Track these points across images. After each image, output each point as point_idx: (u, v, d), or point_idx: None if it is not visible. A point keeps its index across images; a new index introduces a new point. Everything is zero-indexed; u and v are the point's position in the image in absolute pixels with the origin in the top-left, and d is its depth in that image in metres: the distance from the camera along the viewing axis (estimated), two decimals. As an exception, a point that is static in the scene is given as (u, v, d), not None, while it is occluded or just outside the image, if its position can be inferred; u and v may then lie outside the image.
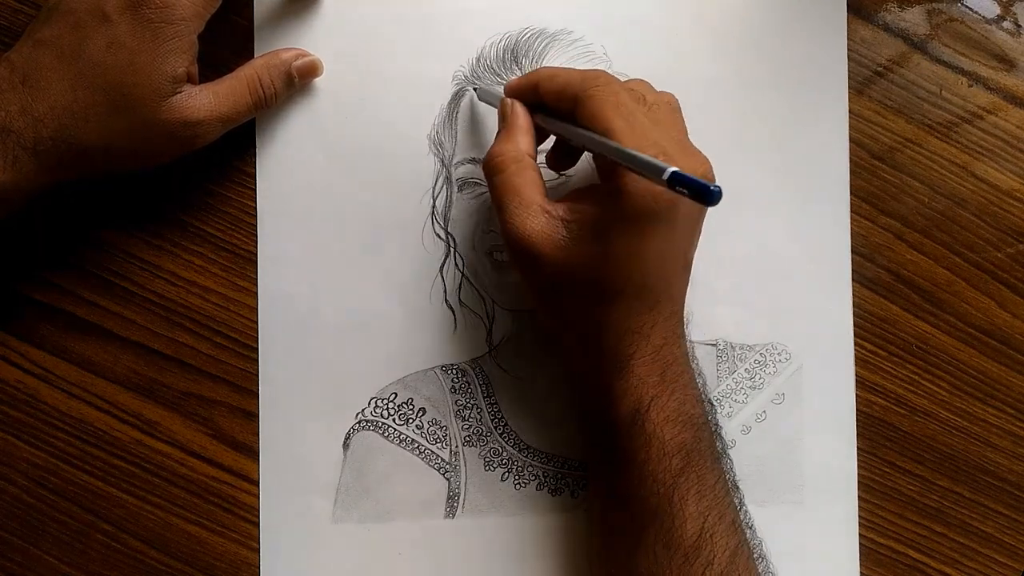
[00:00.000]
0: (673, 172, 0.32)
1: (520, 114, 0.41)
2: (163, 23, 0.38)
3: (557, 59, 0.46)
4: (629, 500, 0.40)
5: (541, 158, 0.43)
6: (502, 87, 0.44)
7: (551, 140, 0.44)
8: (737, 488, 0.43)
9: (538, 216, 0.39)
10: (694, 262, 0.41)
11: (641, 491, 0.39)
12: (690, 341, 0.42)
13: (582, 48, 0.46)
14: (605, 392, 0.40)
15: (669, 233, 0.38)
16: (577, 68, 0.43)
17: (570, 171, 0.45)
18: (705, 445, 0.40)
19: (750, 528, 0.42)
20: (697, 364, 0.46)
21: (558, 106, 0.40)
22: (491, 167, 0.40)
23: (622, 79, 0.41)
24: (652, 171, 0.33)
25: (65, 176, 0.40)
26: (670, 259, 0.39)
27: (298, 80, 0.44)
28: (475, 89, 0.45)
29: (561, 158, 0.44)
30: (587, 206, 0.39)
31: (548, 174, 0.44)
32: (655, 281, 0.39)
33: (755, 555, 0.41)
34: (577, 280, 0.39)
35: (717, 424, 0.44)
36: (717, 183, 0.32)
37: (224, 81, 0.41)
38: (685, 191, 0.32)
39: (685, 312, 0.42)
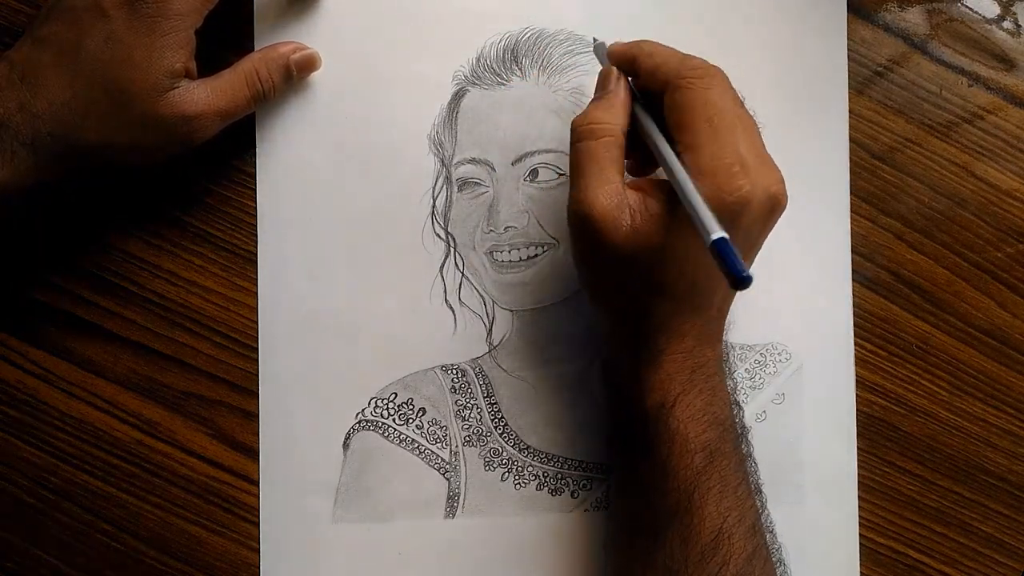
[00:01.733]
0: (718, 240, 0.32)
1: (623, 87, 0.40)
2: (160, 18, 0.38)
3: (557, 58, 0.46)
4: (650, 494, 0.40)
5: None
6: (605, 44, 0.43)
7: None
8: (760, 492, 0.42)
9: (611, 196, 0.38)
10: None
11: (662, 486, 0.39)
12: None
13: (582, 48, 0.46)
14: (634, 383, 0.40)
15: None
16: (679, 50, 0.41)
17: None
18: (730, 446, 0.40)
19: (771, 532, 0.42)
20: (730, 367, 0.46)
21: (650, 85, 0.39)
22: (583, 131, 0.39)
23: None
24: (701, 228, 0.33)
25: (64, 173, 0.40)
26: (718, 272, 0.39)
27: (296, 74, 0.44)
28: (595, 41, 0.44)
29: (634, 143, 0.41)
30: (655, 199, 0.38)
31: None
32: (702, 287, 0.39)
33: (774, 559, 0.41)
34: (628, 269, 0.38)
35: (744, 428, 0.43)
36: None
37: (222, 75, 0.41)
38: (719, 263, 0.32)
39: (728, 319, 0.42)
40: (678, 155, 0.37)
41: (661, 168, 0.40)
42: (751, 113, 0.40)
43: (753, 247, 0.40)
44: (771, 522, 0.43)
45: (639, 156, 0.41)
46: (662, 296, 0.39)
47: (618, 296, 0.40)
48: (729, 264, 0.32)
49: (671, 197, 0.37)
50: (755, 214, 0.37)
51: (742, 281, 0.32)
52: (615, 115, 0.39)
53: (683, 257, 0.38)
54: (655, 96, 0.39)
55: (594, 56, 0.46)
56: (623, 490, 0.44)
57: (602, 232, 0.37)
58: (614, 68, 0.41)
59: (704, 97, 0.37)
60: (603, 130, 0.39)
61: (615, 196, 0.38)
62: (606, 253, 0.38)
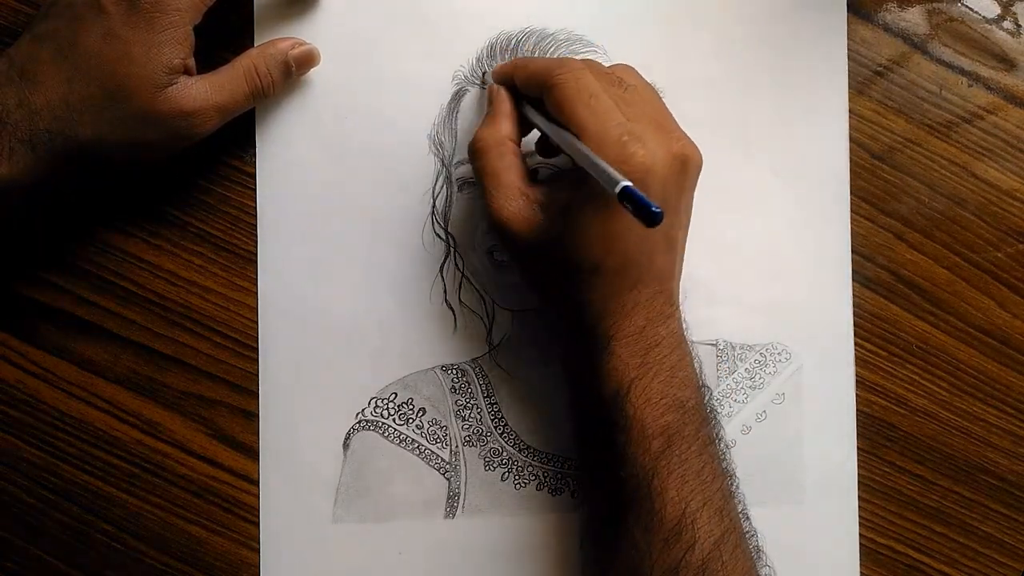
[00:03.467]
0: (624, 187, 0.33)
1: (503, 99, 0.43)
2: (158, 14, 0.38)
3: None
4: (611, 483, 0.40)
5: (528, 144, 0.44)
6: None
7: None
8: (732, 476, 0.42)
9: (516, 199, 0.40)
10: (688, 255, 0.42)
11: (620, 473, 0.39)
12: (691, 341, 0.42)
13: (582, 48, 0.46)
14: (589, 374, 0.40)
15: None
16: (551, 57, 0.44)
17: (558, 159, 0.45)
18: (691, 429, 0.40)
19: (745, 517, 0.42)
20: (694, 347, 0.46)
21: (532, 95, 0.41)
22: (473, 151, 0.42)
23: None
24: (605, 179, 0.34)
25: (63, 171, 0.40)
26: (647, 238, 0.39)
27: (295, 70, 0.44)
28: (484, 75, 0.46)
29: (547, 147, 0.45)
30: (561, 188, 0.40)
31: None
32: (633, 260, 0.39)
33: (750, 545, 0.41)
34: (554, 260, 0.40)
35: (713, 410, 0.43)
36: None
37: (220, 71, 0.41)
38: (630, 207, 0.33)
39: (680, 295, 0.42)
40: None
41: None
42: (651, 85, 0.42)
43: (678, 212, 0.40)
44: (745, 506, 0.42)
45: (540, 145, 0.44)
46: (595, 277, 0.39)
47: (556, 289, 0.41)
48: (638, 204, 0.33)
49: (574, 179, 0.39)
50: (662, 177, 0.38)
51: (653, 216, 0.32)
52: (499, 126, 0.42)
53: (604, 234, 0.38)
54: (540, 104, 0.41)
55: (594, 56, 0.46)
56: (588, 482, 0.43)
57: (519, 233, 0.40)
58: (495, 85, 0.43)
59: (575, 87, 0.39)
60: (488, 145, 0.41)
61: (519, 198, 0.40)
62: (531, 251, 0.40)
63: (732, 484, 0.42)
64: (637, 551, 0.38)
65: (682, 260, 0.42)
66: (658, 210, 0.32)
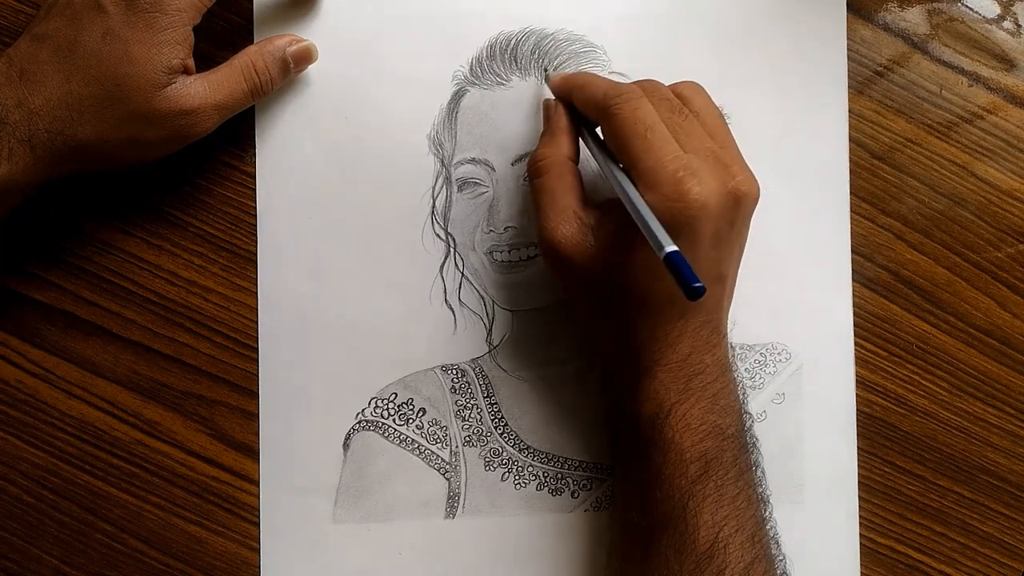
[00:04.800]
0: (669, 254, 0.33)
1: (561, 116, 0.42)
2: (157, 12, 0.38)
3: (557, 58, 0.46)
4: (645, 503, 0.40)
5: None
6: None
7: None
8: (767, 503, 0.42)
9: (571, 222, 0.40)
10: None
11: (657, 494, 0.39)
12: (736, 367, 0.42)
13: (582, 47, 0.46)
14: (629, 394, 0.40)
15: (692, 246, 0.37)
16: (609, 79, 0.42)
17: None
18: (729, 456, 0.40)
19: (776, 544, 0.42)
20: (740, 378, 0.45)
21: (589, 117, 0.41)
22: (533, 169, 0.41)
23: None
24: (654, 243, 0.34)
25: (63, 170, 0.40)
26: (699, 271, 0.39)
27: (293, 66, 0.43)
28: (545, 72, 0.46)
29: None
30: (615, 215, 0.39)
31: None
32: None
33: (778, 572, 0.41)
34: (603, 286, 0.39)
35: (755, 438, 0.43)
36: (698, 284, 0.32)
37: (219, 70, 0.41)
38: (673, 275, 0.33)
39: (729, 323, 0.42)
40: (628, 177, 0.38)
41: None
42: (720, 109, 0.41)
43: (730, 245, 0.40)
44: (776, 534, 0.42)
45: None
46: (644, 307, 0.39)
47: (602, 315, 0.41)
48: (681, 276, 0.32)
49: (627, 209, 0.38)
50: (715, 213, 0.37)
51: (693, 292, 0.32)
52: (559, 145, 0.41)
53: (650, 266, 0.38)
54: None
55: (594, 56, 0.46)
56: (622, 499, 0.44)
57: (571, 258, 0.39)
58: (553, 100, 0.43)
59: (632, 116, 0.38)
60: (548, 164, 0.41)
61: (574, 221, 0.40)
62: (580, 276, 0.40)
63: (766, 510, 0.42)
64: (668, 571, 0.39)
65: (732, 291, 0.42)
66: (699, 285, 0.32)
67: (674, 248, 0.33)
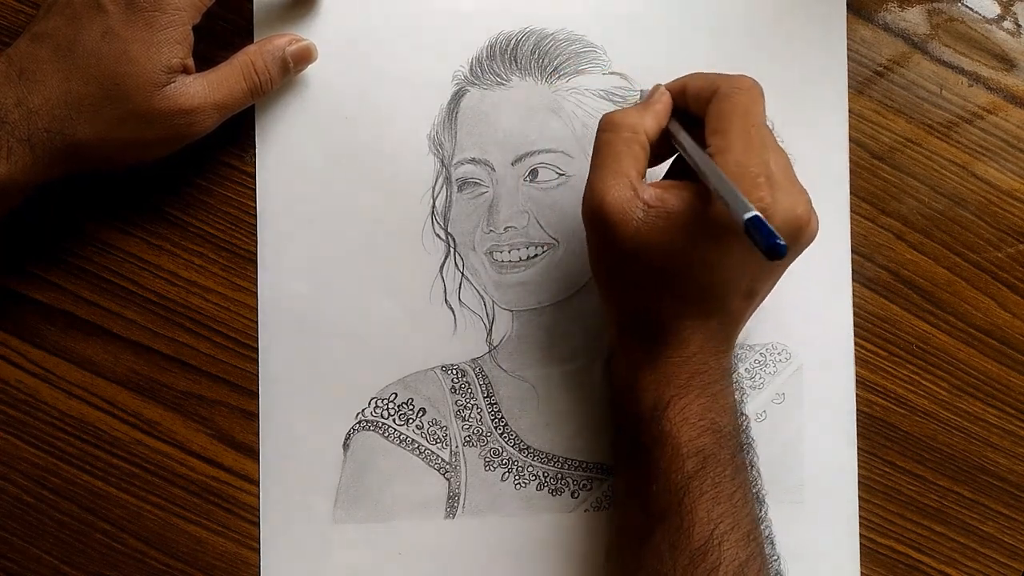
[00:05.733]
0: (753, 216, 0.32)
1: (663, 97, 0.41)
2: (157, 12, 0.38)
3: (557, 58, 0.46)
4: (641, 497, 0.40)
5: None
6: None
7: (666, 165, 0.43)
8: (762, 503, 0.42)
9: (624, 189, 0.38)
10: None
11: (653, 488, 0.39)
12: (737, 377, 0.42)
13: (582, 47, 0.46)
14: (631, 384, 0.40)
15: (743, 255, 0.37)
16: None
17: None
18: (727, 454, 0.40)
19: (770, 543, 0.42)
20: (739, 381, 0.45)
21: (696, 105, 0.40)
22: (607, 123, 0.39)
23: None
24: (736, 204, 0.33)
25: (62, 170, 0.40)
26: (734, 280, 0.39)
27: (293, 66, 0.43)
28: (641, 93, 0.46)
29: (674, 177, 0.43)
30: (674, 198, 0.37)
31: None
32: (714, 293, 0.39)
33: (771, 571, 0.41)
34: (637, 263, 0.38)
35: (751, 440, 0.43)
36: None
37: (218, 69, 0.41)
38: (755, 236, 0.32)
39: (741, 335, 0.42)
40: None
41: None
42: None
43: (772, 268, 0.40)
44: (771, 533, 0.42)
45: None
46: (669, 295, 0.39)
47: (626, 290, 0.40)
48: (765, 235, 0.32)
49: (693, 200, 0.37)
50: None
51: (777, 249, 0.32)
52: (645, 118, 0.40)
53: (698, 260, 0.37)
54: (693, 120, 0.40)
55: (594, 56, 0.46)
56: (619, 493, 0.44)
57: (612, 224, 0.38)
58: (662, 85, 0.42)
59: (747, 107, 0.38)
60: (627, 126, 0.39)
61: (628, 189, 0.38)
62: (616, 245, 0.38)
63: (761, 510, 0.42)
64: (662, 567, 0.39)
65: (753, 312, 0.42)
66: (783, 243, 0.32)
67: (757, 212, 0.33)
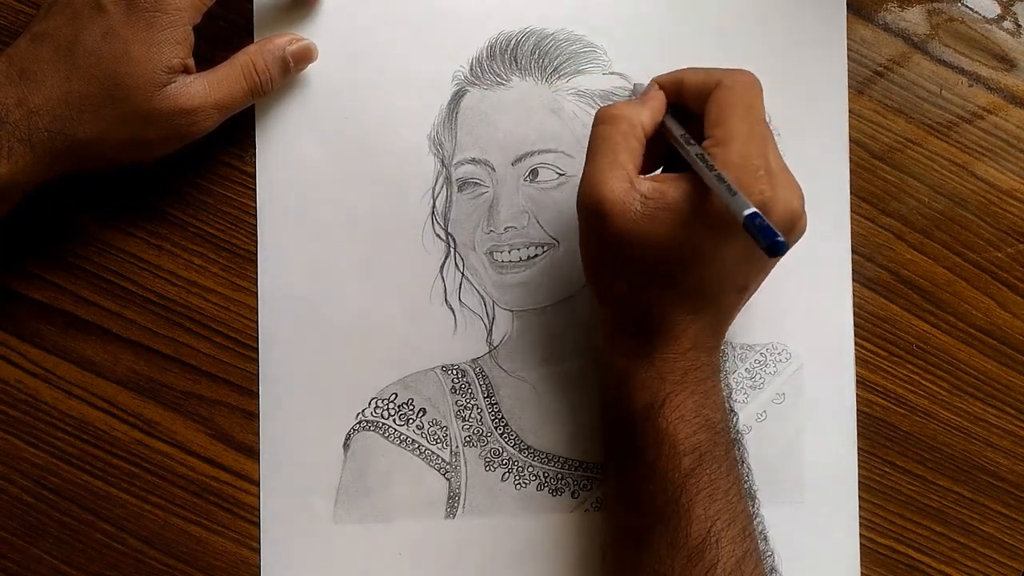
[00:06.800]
0: (752, 213, 0.32)
1: (658, 94, 0.41)
2: (157, 12, 0.38)
3: (557, 58, 0.46)
4: (638, 496, 0.40)
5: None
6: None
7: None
8: (754, 498, 0.42)
9: (621, 181, 0.37)
10: None
11: (650, 487, 0.39)
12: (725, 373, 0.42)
13: (582, 47, 0.46)
14: (625, 382, 0.40)
15: (738, 251, 0.38)
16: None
17: None
18: (721, 450, 0.40)
19: (764, 538, 0.42)
20: (727, 378, 0.45)
21: (694, 98, 0.40)
22: (603, 116, 0.39)
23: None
24: (734, 202, 0.33)
25: (63, 169, 0.40)
26: (729, 275, 0.39)
27: (293, 65, 0.43)
28: (634, 86, 0.46)
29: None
30: (671, 191, 0.37)
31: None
32: (707, 290, 0.39)
33: (766, 566, 0.41)
34: (632, 257, 0.38)
35: (739, 434, 0.43)
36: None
37: (219, 69, 0.41)
38: (754, 233, 0.32)
39: (740, 336, 0.42)
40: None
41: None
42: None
43: (765, 263, 0.40)
44: (764, 528, 0.42)
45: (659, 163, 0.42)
46: (663, 290, 0.39)
47: (619, 285, 0.40)
48: (763, 234, 0.32)
49: (691, 193, 0.37)
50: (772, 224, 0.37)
51: (778, 246, 0.32)
52: (641, 111, 0.39)
53: (693, 256, 0.37)
54: (689, 116, 0.40)
55: (594, 56, 0.46)
56: (614, 494, 0.43)
57: (609, 217, 0.37)
58: (654, 81, 0.42)
59: (748, 101, 0.38)
60: (623, 118, 0.39)
61: (624, 182, 0.37)
62: (611, 239, 0.38)
63: (754, 505, 0.42)
64: (661, 567, 0.39)
65: (741, 308, 0.42)
66: (783, 240, 0.32)
67: (755, 209, 0.33)
